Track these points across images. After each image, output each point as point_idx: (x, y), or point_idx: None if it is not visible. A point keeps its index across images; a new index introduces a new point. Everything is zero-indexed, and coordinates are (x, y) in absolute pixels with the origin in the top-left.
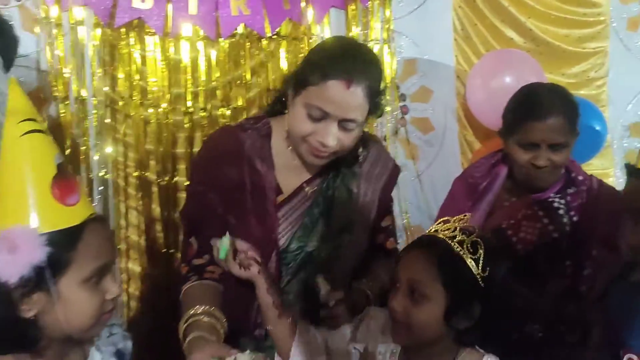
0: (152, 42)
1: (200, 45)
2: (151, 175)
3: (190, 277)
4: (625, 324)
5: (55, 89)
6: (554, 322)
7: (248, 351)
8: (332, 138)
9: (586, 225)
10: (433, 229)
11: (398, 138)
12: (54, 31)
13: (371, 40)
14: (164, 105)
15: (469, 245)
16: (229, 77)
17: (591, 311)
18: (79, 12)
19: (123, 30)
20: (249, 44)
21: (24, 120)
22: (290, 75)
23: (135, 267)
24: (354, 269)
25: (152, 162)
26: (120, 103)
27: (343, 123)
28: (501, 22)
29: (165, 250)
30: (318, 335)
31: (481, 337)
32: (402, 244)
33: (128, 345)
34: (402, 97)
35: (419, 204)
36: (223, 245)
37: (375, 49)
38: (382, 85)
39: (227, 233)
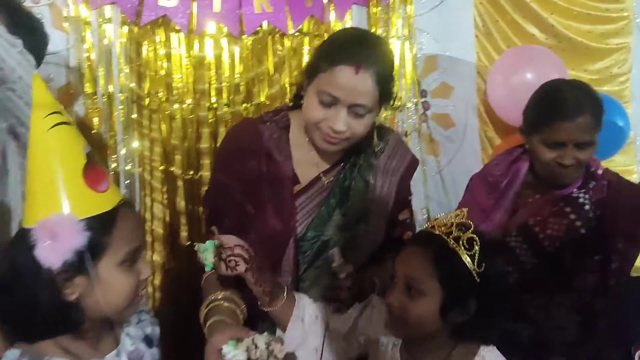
0: (177, 39)
1: (224, 42)
2: (176, 170)
3: None
4: (636, 320)
5: (84, 85)
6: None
7: (266, 333)
8: (342, 123)
9: (609, 219)
10: (430, 225)
11: (419, 134)
12: (83, 29)
13: (392, 36)
14: (189, 101)
15: (464, 241)
16: (252, 73)
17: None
18: (107, 11)
19: (149, 27)
20: (271, 41)
21: (51, 113)
22: (305, 66)
23: (159, 259)
24: (369, 259)
25: (178, 157)
26: (146, 99)
27: (353, 108)
28: (523, 18)
29: (189, 243)
30: (314, 310)
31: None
32: None
33: (156, 330)
34: (423, 93)
35: (439, 199)
36: (202, 249)
37: (397, 46)
38: (392, 72)
39: (214, 235)
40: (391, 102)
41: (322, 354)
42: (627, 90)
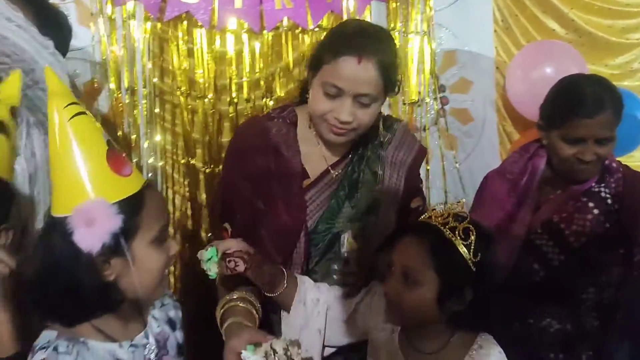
0: (199, 35)
1: (244, 37)
2: (197, 163)
3: None
4: None
5: (109, 80)
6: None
7: (283, 337)
8: (348, 114)
9: (627, 212)
10: (427, 215)
11: (438, 129)
12: (108, 25)
13: (411, 32)
14: (210, 95)
15: (460, 231)
16: (272, 68)
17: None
18: (131, 7)
19: (172, 23)
20: (291, 36)
21: (69, 104)
22: (309, 60)
23: (180, 250)
24: None
25: (199, 151)
26: (169, 94)
27: (358, 98)
28: (542, 12)
29: (209, 235)
30: (315, 293)
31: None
32: None
33: (179, 314)
34: (442, 88)
35: (457, 194)
36: (206, 257)
37: (416, 41)
38: (395, 61)
39: (227, 232)
40: (396, 90)
41: (324, 336)
42: None
